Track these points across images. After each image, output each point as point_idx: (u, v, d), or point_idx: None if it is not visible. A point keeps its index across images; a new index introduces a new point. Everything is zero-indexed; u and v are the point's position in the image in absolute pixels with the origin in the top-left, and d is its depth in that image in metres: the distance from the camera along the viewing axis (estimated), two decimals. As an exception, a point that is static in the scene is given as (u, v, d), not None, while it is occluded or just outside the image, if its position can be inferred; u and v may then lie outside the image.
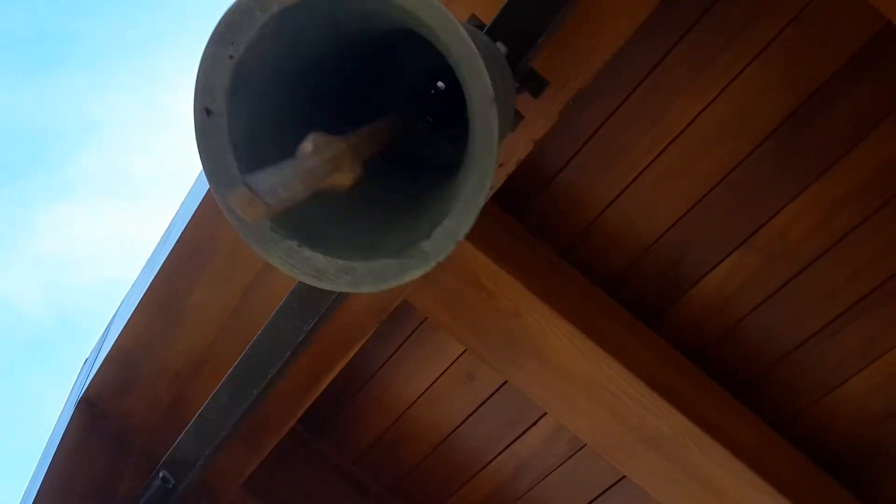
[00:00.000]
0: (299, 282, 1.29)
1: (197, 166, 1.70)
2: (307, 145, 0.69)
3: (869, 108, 1.53)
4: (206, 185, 1.50)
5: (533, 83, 1.17)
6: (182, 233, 1.53)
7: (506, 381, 2.04)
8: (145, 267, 1.78)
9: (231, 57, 0.83)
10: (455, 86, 0.92)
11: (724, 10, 1.53)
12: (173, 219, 1.73)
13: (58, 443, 1.71)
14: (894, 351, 1.75)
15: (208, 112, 0.86)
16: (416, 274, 0.85)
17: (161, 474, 1.55)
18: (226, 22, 0.82)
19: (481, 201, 0.81)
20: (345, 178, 0.75)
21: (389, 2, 0.82)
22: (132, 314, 1.66)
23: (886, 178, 1.58)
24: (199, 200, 1.52)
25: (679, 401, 1.68)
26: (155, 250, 1.79)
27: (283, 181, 0.67)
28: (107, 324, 1.98)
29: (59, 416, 1.91)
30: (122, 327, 1.68)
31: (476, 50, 0.77)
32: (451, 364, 2.07)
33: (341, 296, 1.28)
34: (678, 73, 1.59)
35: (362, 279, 0.87)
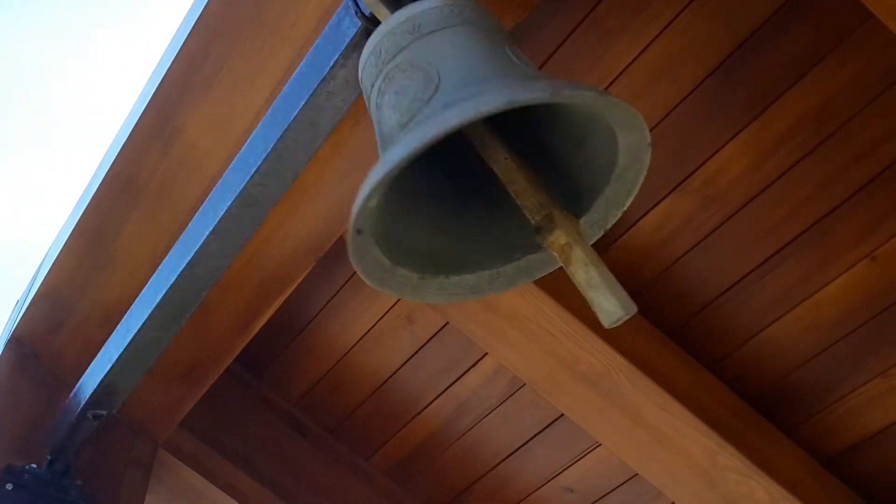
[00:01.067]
0: (224, 215, 1.27)
1: (124, 105, 1.64)
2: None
3: (802, 52, 1.56)
4: (138, 116, 1.47)
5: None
6: (110, 167, 1.49)
7: (445, 325, 2.05)
8: (75, 205, 1.74)
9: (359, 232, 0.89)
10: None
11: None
12: (103, 157, 1.68)
13: (-14, 382, 1.68)
14: (818, 294, 1.81)
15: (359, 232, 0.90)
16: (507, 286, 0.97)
17: (90, 413, 1.53)
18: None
19: (628, 204, 0.93)
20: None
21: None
22: (61, 251, 1.62)
23: (817, 122, 1.61)
24: (126, 136, 1.49)
25: (612, 338, 1.72)
26: (85, 188, 1.74)
27: (620, 290, 0.79)
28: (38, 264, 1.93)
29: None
30: (50, 264, 1.64)
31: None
32: (390, 307, 2.08)
33: (266, 221, 1.27)
34: (616, 15, 1.59)
35: (515, 277, 0.97)
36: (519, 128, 0.99)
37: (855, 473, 2.01)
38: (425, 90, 0.86)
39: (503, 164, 0.91)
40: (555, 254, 0.84)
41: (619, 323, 0.77)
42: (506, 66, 0.89)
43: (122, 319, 1.44)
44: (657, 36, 1.58)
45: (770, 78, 1.58)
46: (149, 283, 1.39)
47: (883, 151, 1.60)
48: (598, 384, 1.75)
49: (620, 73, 1.63)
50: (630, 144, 0.87)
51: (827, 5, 1.51)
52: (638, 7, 1.56)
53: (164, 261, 1.37)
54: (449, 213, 1.00)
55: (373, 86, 0.94)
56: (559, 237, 0.84)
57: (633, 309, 0.77)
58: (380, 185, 0.79)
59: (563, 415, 2.12)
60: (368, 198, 0.80)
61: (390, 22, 0.94)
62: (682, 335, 1.89)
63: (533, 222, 0.86)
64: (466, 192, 1.02)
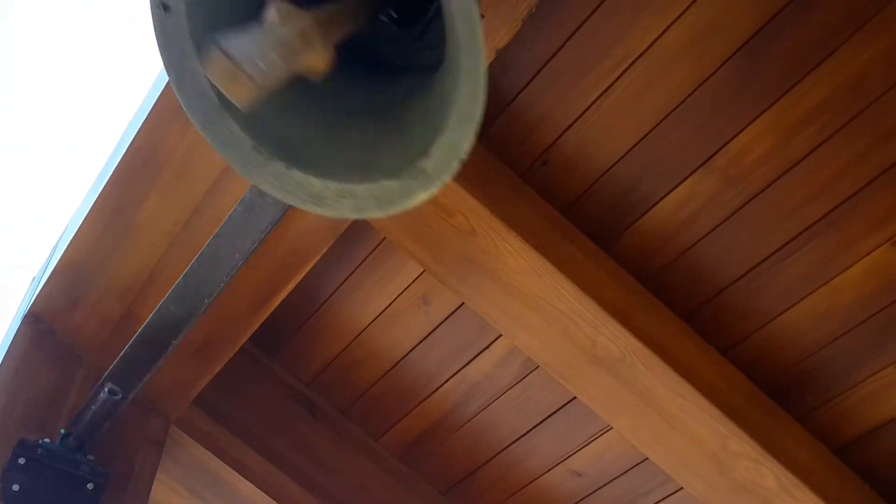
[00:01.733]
0: (248, 192, 1.27)
1: (147, 74, 1.63)
2: (272, 13, 0.66)
3: (830, 29, 1.54)
4: (159, 91, 1.46)
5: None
6: (132, 141, 1.48)
7: (460, 306, 2.05)
8: (97, 179, 1.73)
9: None
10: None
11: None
12: (125, 129, 1.67)
13: (2, 358, 1.68)
14: (837, 279, 1.80)
15: (165, 8, 0.78)
16: (421, 197, 0.81)
17: (107, 387, 1.53)
18: None
19: (478, 114, 0.75)
20: (318, 59, 0.71)
21: None
22: (80, 226, 1.61)
23: (843, 102, 1.60)
24: (151, 107, 1.47)
25: (629, 322, 1.71)
26: (107, 162, 1.73)
27: (259, 51, 0.62)
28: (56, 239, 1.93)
29: (6, 333, 1.86)
30: (69, 240, 1.63)
31: None
32: (405, 288, 2.07)
33: (292, 207, 1.25)
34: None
35: (365, 204, 0.82)
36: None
37: (867, 462, 2.00)
38: None
39: None
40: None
41: (215, 61, 0.60)
42: None
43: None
44: (683, 12, 1.57)
45: (796, 56, 1.57)
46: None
47: (909, 135, 1.59)
48: (613, 368, 1.75)
49: (645, 51, 1.62)
50: (458, 11, 0.73)
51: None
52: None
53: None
54: (324, 101, 0.89)
55: None
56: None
57: (250, 65, 0.61)
58: None
59: (573, 398, 2.12)
60: None
61: None
62: (699, 318, 1.89)
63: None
64: (352, 95, 0.94)
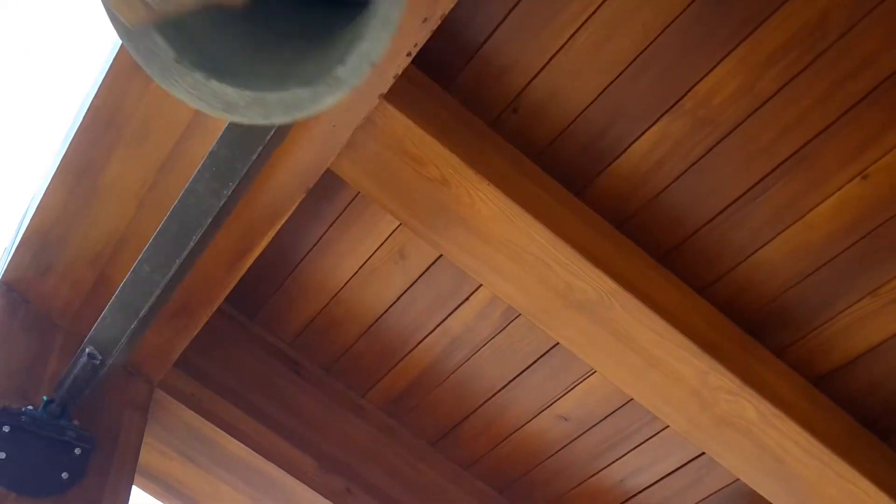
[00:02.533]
0: (216, 144, 1.25)
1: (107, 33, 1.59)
2: None
3: (792, -34, 1.53)
4: (117, 48, 1.43)
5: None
6: (91, 101, 1.46)
7: (437, 258, 2.05)
8: (62, 144, 1.70)
9: None
10: None
11: None
12: (87, 91, 1.64)
13: (-22, 328, 1.67)
14: (810, 214, 1.81)
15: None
16: (329, 101, 0.81)
17: (87, 350, 1.53)
18: None
19: (396, 17, 0.76)
20: None
21: None
22: (45, 192, 1.60)
23: (808, 40, 1.59)
24: (110, 64, 1.45)
25: (604, 264, 1.72)
26: (70, 126, 1.71)
27: None
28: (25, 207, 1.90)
29: (-21, 305, 1.85)
30: (36, 206, 1.61)
31: None
32: (381, 243, 2.07)
33: (262, 156, 1.24)
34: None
35: (274, 109, 0.83)
36: None
37: (844, 392, 2.04)
38: None
39: None
40: None
41: None
42: None
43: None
44: (647, -47, 1.55)
45: (762, -6, 1.56)
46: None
47: (877, 66, 1.59)
48: (591, 311, 1.76)
49: (609, -7, 1.60)
50: None
51: (819, -83, 1.48)
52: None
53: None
54: (249, 15, 0.90)
55: None
56: None
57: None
58: None
59: (556, 345, 2.14)
60: None
61: None
62: (675, 260, 1.90)
63: None
64: (289, 17, 0.95)
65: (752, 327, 1.97)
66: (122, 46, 1.39)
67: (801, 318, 1.96)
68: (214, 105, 0.84)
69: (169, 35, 0.81)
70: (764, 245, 1.88)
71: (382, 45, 0.78)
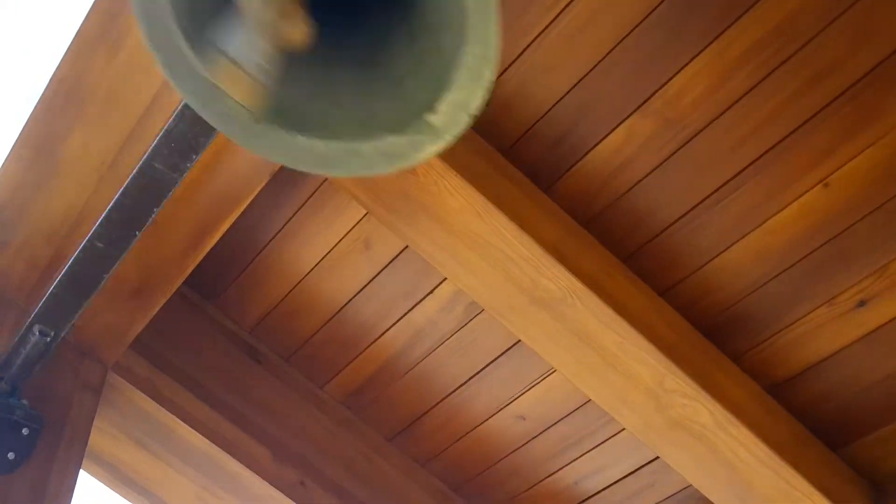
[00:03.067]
0: (172, 119, 1.23)
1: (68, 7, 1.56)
2: None
3: (764, -29, 1.54)
4: (78, 23, 1.40)
5: None
6: (54, 72, 1.43)
7: (403, 250, 2.04)
8: (20, 114, 1.66)
9: None
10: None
11: None
12: (50, 60, 1.61)
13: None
14: (771, 221, 1.84)
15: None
16: (432, 150, 0.80)
17: (37, 328, 1.49)
18: None
19: (489, 76, 0.77)
20: (297, 31, 0.69)
21: None
22: (2, 166, 1.56)
23: (775, 44, 1.61)
24: (70, 40, 1.42)
25: (569, 262, 1.73)
26: (26, 99, 1.66)
27: (250, 42, 0.61)
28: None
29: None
30: (-8, 178, 1.57)
31: None
32: (347, 232, 2.05)
33: (218, 133, 1.22)
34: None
35: (374, 161, 0.81)
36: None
37: (797, 401, 2.07)
38: None
39: None
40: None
41: (220, 66, 0.62)
42: None
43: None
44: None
45: (730, -2, 1.57)
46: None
47: (840, 74, 1.61)
48: (554, 308, 1.76)
49: (582, -8, 1.61)
50: None
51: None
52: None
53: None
54: (309, 61, 0.87)
55: None
56: None
57: (252, 65, 0.63)
58: None
59: (517, 342, 2.14)
60: None
61: None
62: (638, 260, 1.91)
63: None
64: (339, 47, 0.91)
65: (712, 331, 1.99)
66: (87, 17, 1.36)
67: (759, 324, 1.98)
68: (309, 161, 0.82)
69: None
70: (726, 249, 1.90)
71: (479, 99, 0.78)
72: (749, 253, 1.89)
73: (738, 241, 1.88)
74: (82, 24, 1.37)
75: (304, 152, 0.82)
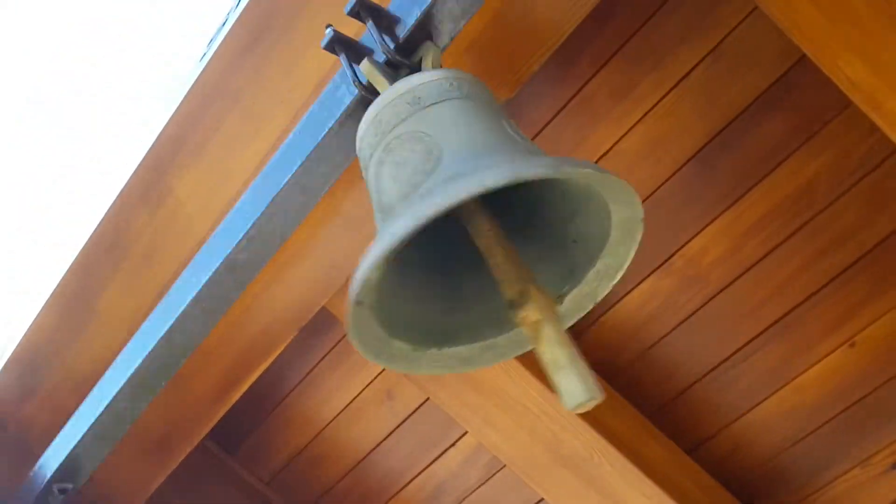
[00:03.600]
0: (207, 281, 1.26)
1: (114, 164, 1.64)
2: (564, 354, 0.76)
3: (782, 139, 1.60)
4: (127, 177, 1.47)
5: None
6: (96, 227, 1.48)
7: (425, 401, 2.02)
8: (54, 267, 1.72)
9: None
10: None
11: (643, 42, 1.59)
12: (87, 217, 1.68)
13: (-50, 450, 1.62)
14: (802, 376, 1.81)
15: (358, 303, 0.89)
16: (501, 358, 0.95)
17: (56, 487, 1.47)
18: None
19: (619, 276, 0.93)
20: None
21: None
22: (39, 313, 1.59)
23: (795, 208, 1.65)
24: (114, 198, 1.49)
25: (595, 420, 1.70)
26: (66, 249, 1.72)
27: (587, 372, 0.75)
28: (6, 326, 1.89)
29: (-46, 425, 1.80)
30: (27, 326, 1.60)
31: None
32: (369, 382, 2.05)
33: (244, 294, 1.26)
34: (599, 99, 1.64)
35: (507, 351, 0.95)
36: (510, 201, 1.00)
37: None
38: (426, 162, 0.87)
39: (486, 235, 0.91)
40: (524, 331, 0.82)
41: (583, 408, 0.74)
42: (505, 140, 0.91)
43: (94, 389, 1.40)
44: (640, 119, 1.63)
45: (750, 163, 1.63)
46: (124, 350, 1.36)
47: (860, 238, 1.64)
48: (580, 467, 1.72)
49: (605, 153, 1.67)
50: (623, 219, 0.89)
51: (802, 97, 1.57)
52: (623, 91, 1.62)
53: (142, 327, 1.34)
54: (441, 282, 1.00)
55: (371, 155, 0.95)
56: (531, 313, 0.81)
57: (599, 395, 0.74)
58: (384, 258, 0.78)
59: (541, 500, 2.08)
60: (371, 270, 0.79)
61: (390, 93, 0.96)
62: (665, 417, 1.88)
63: (507, 297, 0.84)
64: (459, 263, 1.02)
65: (744, 492, 1.92)
66: (133, 174, 1.43)
67: (793, 484, 1.92)
68: (454, 364, 0.96)
69: (401, 336, 0.94)
70: (755, 406, 1.86)
71: (606, 291, 0.94)
72: (779, 410, 1.85)
73: (767, 398, 1.85)
74: (127, 182, 1.44)
75: (451, 359, 0.96)
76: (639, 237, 0.91)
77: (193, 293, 1.30)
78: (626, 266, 0.93)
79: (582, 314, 0.95)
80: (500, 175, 0.76)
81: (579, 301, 0.95)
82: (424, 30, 1.03)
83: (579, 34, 1.25)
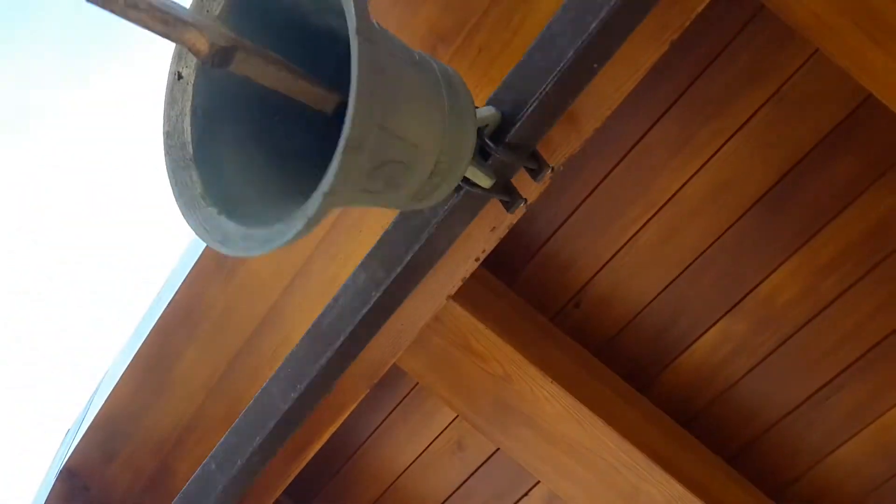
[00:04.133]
0: (286, 361, 1.29)
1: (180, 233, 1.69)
2: None
3: (849, 180, 1.57)
4: (198, 251, 1.51)
5: (533, 165, 1.18)
6: (174, 296, 1.53)
7: (496, 451, 2.01)
8: (134, 332, 1.77)
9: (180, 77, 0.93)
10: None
11: (704, 88, 1.58)
12: (165, 283, 1.73)
13: (37, 514, 1.66)
14: (886, 416, 1.75)
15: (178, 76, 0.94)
16: (289, 235, 0.86)
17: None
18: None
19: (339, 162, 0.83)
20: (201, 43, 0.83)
21: None
22: (120, 379, 1.64)
23: (868, 247, 1.61)
24: (192, 263, 1.53)
25: (672, 467, 1.67)
26: (145, 315, 1.78)
27: None
28: (92, 393, 1.95)
29: (39, 489, 1.85)
30: (108, 393, 1.65)
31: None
32: (440, 433, 2.04)
33: (332, 364, 1.27)
34: (661, 148, 1.64)
35: (256, 244, 0.90)
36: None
37: None
38: None
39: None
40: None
41: None
42: None
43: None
44: (702, 166, 1.62)
45: (818, 204, 1.60)
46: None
47: (940, 273, 1.58)
48: (659, 516, 1.68)
49: (667, 202, 1.66)
50: None
51: (870, 136, 1.54)
52: (682, 140, 1.61)
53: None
54: (272, 166, 1.00)
55: None
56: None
57: None
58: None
59: (619, 548, 2.03)
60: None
61: None
62: (744, 461, 1.83)
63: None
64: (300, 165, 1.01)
65: (832, 536, 1.85)
66: (205, 249, 1.47)
67: (882, 528, 1.84)
68: (215, 237, 0.93)
69: (204, 172, 0.93)
70: (839, 447, 1.80)
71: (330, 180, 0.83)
72: (865, 450, 1.79)
73: (851, 437, 1.78)
74: (202, 253, 1.48)
75: (216, 229, 0.92)
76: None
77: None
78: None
79: (315, 210, 0.86)
80: None
81: (315, 199, 0.86)
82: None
83: (635, 90, 1.26)
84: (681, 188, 1.63)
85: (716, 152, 1.59)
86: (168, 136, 0.95)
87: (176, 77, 0.93)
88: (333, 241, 1.47)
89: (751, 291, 1.70)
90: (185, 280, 1.51)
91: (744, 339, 1.74)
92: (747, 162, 1.58)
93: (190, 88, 0.93)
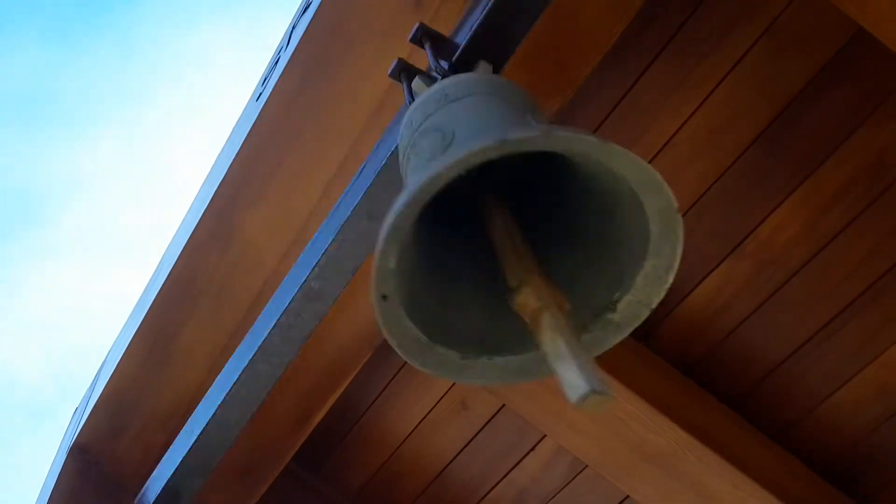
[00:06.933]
0: (283, 315, 1.28)
1: (181, 208, 1.68)
2: (564, 346, 0.69)
3: (846, 113, 1.56)
4: (193, 224, 1.51)
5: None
6: (170, 272, 1.52)
7: (501, 408, 2.02)
8: (133, 310, 1.77)
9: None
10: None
11: (695, 28, 1.56)
12: (161, 260, 1.72)
13: (51, 491, 1.68)
14: (887, 353, 1.76)
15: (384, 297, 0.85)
16: (613, 343, 0.90)
17: (156, 520, 1.52)
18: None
19: (671, 278, 0.86)
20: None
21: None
22: (122, 356, 1.64)
23: (867, 181, 1.60)
24: (186, 239, 1.52)
25: (676, 415, 1.68)
26: (143, 292, 1.77)
27: (590, 364, 0.67)
28: (96, 370, 1.95)
29: (52, 466, 1.87)
30: (112, 370, 1.66)
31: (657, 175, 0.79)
32: (444, 394, 2.05)
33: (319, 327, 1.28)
34: (654, 92, 1.62)
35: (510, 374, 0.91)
36: (546, 205, 0.96)
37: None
38: (441, 145, 0.84)
39: (498, 228, 0.87)
40: (524, 318, 0.76)
41: (590, 405, 0.65)
42: (520, 123, 0.86)
43: (187, 422, 1.44)
44: (697, 108, 1.60)
45: (815, 140, 1.59)
46: (213, 385, 1.39)
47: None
48: (665, 464, 1.70)
49: (664, 146, 1.65)
50: (658, 211, 0.81)
51: (863, 69, 1.53)
52: (675, 82, 1.59)
53: (228, 362, 1.37)
54: (486, 291, 0.95)
55: (405, 156, 0.93)
56: (529, 300, 0.75)
57: (601, 387, 0.66)
58: (391, 234, 0.73)
59: (626, 497, 2.06)
60: (384, 250, 0.74)
61: (423, 95, 0.95)
62: (746, 405, 1.84)
63: (508, 285, 0.79)
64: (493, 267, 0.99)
65: (834, 474, 1.87)
66: (202, 216, 1.47)
67: (886, 465, 1.86)
68: (508, 375, 0.91)
69: (445, 343, 0.89)
70: (841, 386, 1.81)
71: (660, 296, 0.86)
72: (867, 389, 1.80)
73: (853, 377, 1.80)
74: (196, 224, 1.47)
75: (504, 370, 0.91)
76: (680, 232, 0.83)
77: (273, 322, 1.33)
78: (674, 267, 0.86)
79: (638, 322, 0.90)
80: (489, 139, 0.70)
81: (634, 309, 0.90)
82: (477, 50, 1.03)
83: (624, 35, 1.24)
84: (675, 133, 1.62)
85: (711, 92, 1.58)
86: (404, 349, 0.88)
87: (381, 300, 0.83)
88: (329, 205, 1.47)
89: (751, 233, 1.69)
90: (179, 255, 1.51)
91: (745, 282, 1.74)
92: (743, 100, 1.57)
93: (401, 310, 0.85)
